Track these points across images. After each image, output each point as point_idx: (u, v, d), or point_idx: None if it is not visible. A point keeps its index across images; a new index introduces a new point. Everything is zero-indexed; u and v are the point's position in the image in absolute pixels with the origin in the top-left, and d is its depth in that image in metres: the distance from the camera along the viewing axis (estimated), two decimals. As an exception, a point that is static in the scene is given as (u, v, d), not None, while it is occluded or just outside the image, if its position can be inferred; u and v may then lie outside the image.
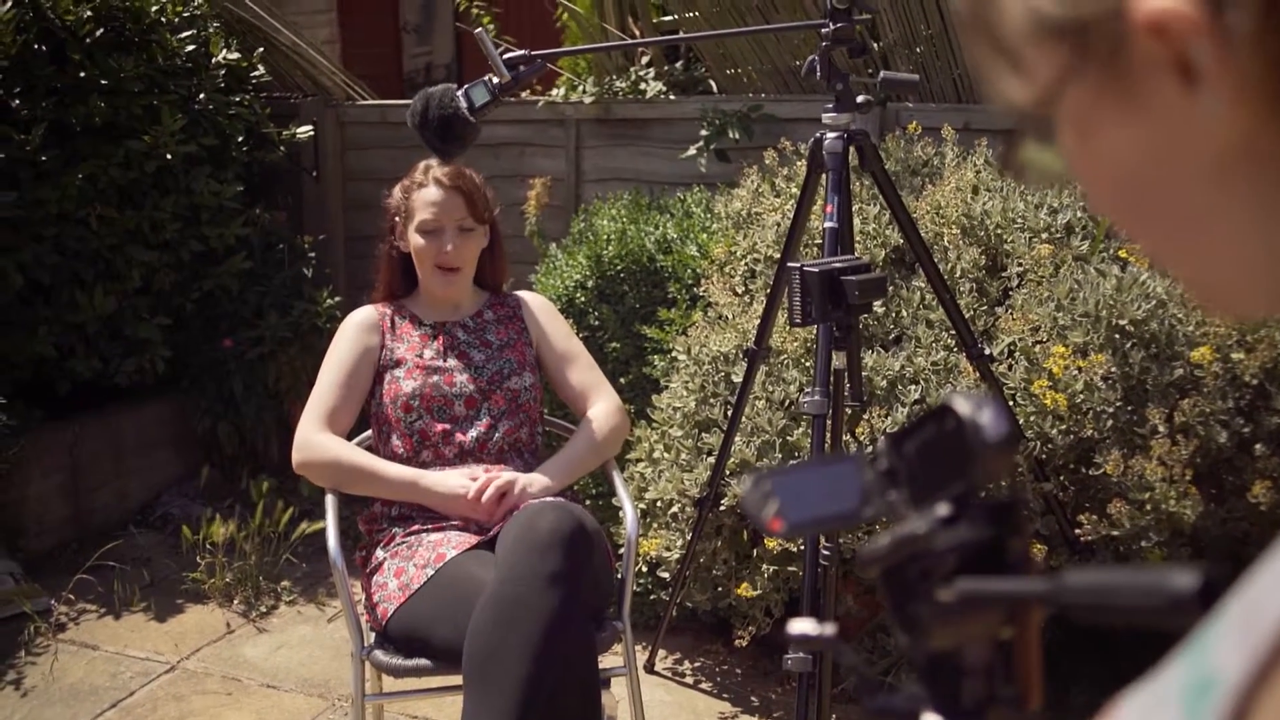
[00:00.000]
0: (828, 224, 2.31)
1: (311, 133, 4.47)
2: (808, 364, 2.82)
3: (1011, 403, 2.65)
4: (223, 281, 4.15)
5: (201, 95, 4.06)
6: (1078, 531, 2.59)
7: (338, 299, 4.22)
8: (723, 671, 3.20)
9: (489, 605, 2.07)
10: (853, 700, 2.90)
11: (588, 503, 3.00)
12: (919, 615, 0.64)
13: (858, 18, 2.31)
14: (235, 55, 4.23)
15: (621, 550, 2.51)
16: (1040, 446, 2.60)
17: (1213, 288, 0.54)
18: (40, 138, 3.58)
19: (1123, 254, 2.84)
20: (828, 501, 0.73)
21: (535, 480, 2.42)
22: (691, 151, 3.95)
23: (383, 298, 2.68)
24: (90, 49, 3.76)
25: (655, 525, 3.01)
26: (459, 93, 2.23)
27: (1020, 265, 2.89)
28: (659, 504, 2.99)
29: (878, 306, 2.86)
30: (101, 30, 3.79)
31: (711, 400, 2.98)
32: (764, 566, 2.81)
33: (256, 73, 4.36)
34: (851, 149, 2.37)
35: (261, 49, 4.41)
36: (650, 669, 3.16)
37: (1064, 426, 2.58)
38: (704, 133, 3.93)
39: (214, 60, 4.16)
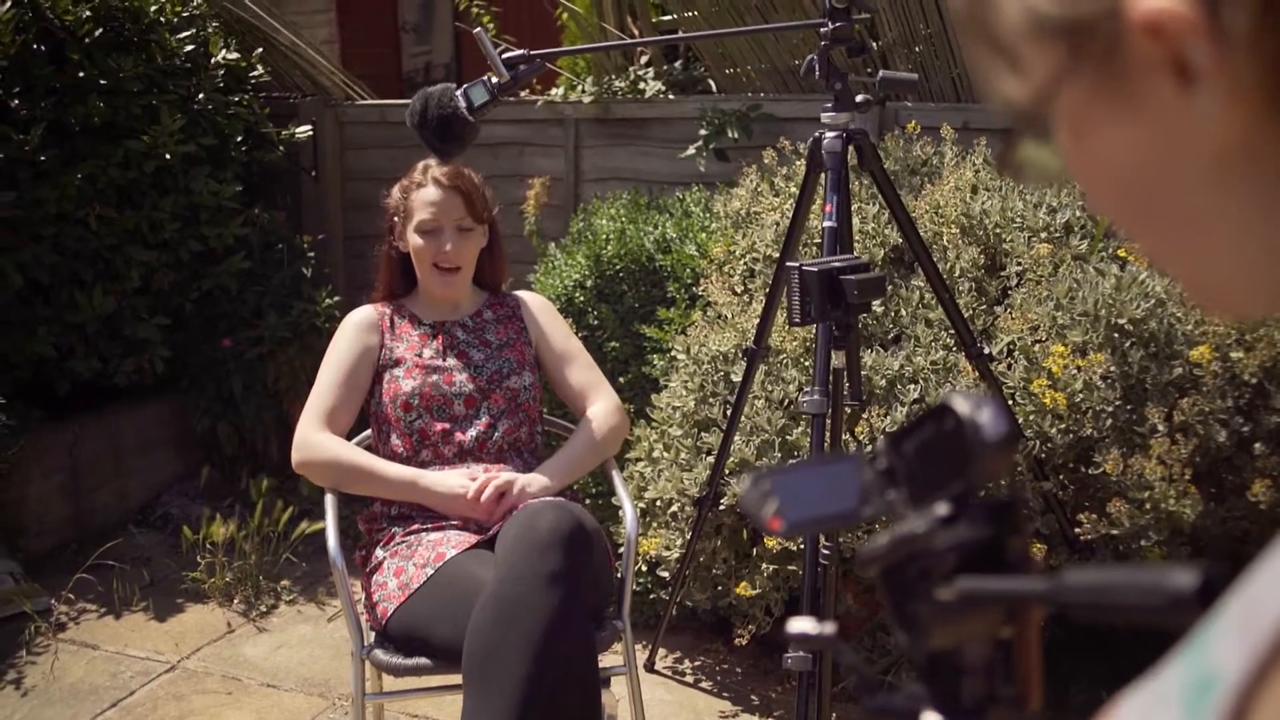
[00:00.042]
0: (827, 223, 2.31)
1: (310, 132, 4.47)
2: (807, 363, 2.82)
3: (1011, 402, 2.65)
4: (222, 281, 4.16)
5: (200, 95, 4.06)
6: (1077, 530, 2.59)
7: (337, 299, 4.22)
8: (723, 670, 3.20)
9: (489, 604, 2.07)
10: (853, 699, 2.90)
11: (587, 502, 3.00)
12: (918, 614, 0.64)
13: (856, 17, 2.31)
14: (234, 55, 4.23)
15: (621, 549, 2.51)
16: (1040, 445, 2.60)
17: (1210, 287, 0.54)
18: (39, 138, 3.58)
19: (1122, 253, 2.84)
20: (827, 501, 0.73)
21: (534, 480, 2.42)
22: (690, 151, 3.95)
23: (382, 297, 2.68)
24: (89, 49, 3.76)
25: (655, 524, 3.01)
26: (458, 92, 2.23)
27: (1019, 264, 2.89)
28: (658, 503, 2.99)
29: (877, 306, 2.86)
30: (100, 30, 3.78)
31: (711, 399, 2.98)
32: (764, 565, 2.81)
33: (255, 73, 4.36)
34: (850, 148, 2.37)
35: (260, 49, 4.41)
36: (650, 668, 3.16)
37: (1063, 425, 2.59)
38: (703, 132, 3.93)
39: (213, 60, 4.16)
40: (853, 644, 2.94)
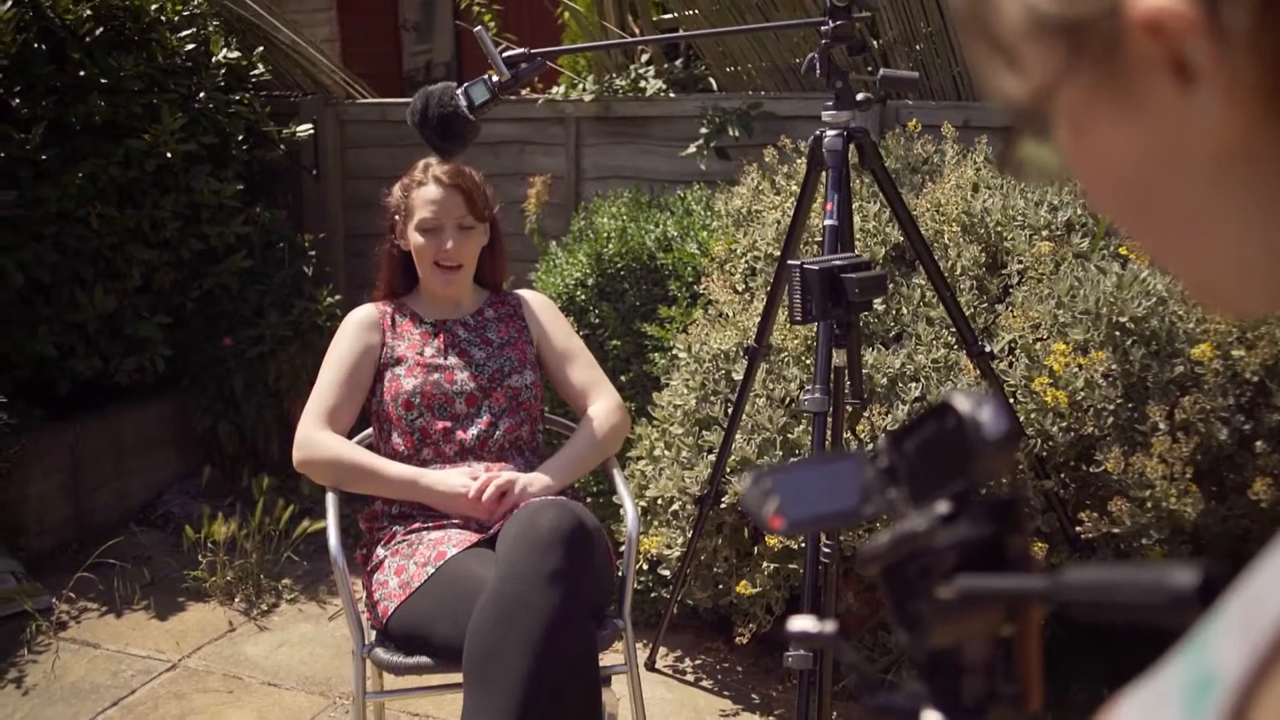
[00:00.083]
0: (828, 221, 2.31)
1: (311, 131, 4.47)
2: (808, 361, 2.82)
3: (1012, 400, 2.65)
4: (223, 280, 4.16)
5: (201, 94, 4.06)
6: (1078, 529, 2.59)
7: (338, 297, 4.23)
8: (724, 669, 3.20)
9: (489, 603, 2.07)
10: (853, 698, 2.90)
11: (588, 500, 3.00)
12: (919, 613, 0.64)
13: (857, 15, 2.31)
14: (235, 54, 4.23)
15: (622, 548, 2.51)
16: (1041, 444, 2.60)
17: (1211, 286, 0.54)
18: (40, 137, 3.58)
19: (1123, 251, 2.84)
20: (828, 499, 0.73)
21: (536, 480, 2.42)
22: (691, 149, 3.95)
23: (383, 296, 2.69)
24: (90, 48, 3.76)
25: (656, 523, 3.01)
26: (459, 91, 2.23)
27: (1020, 263, 2.89)
28: (660, 502, 2.99)
29: (878, 304, 2.86)
30: (101, 29, 3.79)
31: (712, 398, 2.98)
32: (765, 564, 2.81)
33: (256, 71, 4.36)
34: (851, 146, 2.37)
35: (261, 47, 4.41)
36: (651, 667, 3.16)
37: (1064, 424, 2.58)
38: (704, 130, 3.93)
39: (214, 59, 4.16)
40: (853, 642, 2.94)
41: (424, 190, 2.56)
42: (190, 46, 4.05)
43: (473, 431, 2.49)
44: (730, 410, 2.75)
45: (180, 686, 3.16)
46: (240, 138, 4.18)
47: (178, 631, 3.45)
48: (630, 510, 2.46)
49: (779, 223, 3.15)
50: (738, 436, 2.76)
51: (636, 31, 4.27)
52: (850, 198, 2.46)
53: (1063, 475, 2.68)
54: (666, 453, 3.02)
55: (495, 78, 2.22)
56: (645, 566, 3.05)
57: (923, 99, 3.81)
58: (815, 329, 2.33)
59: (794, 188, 3.10)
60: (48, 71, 3.67)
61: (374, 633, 2.36)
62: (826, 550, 2.29)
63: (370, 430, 2.62)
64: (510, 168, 4.32)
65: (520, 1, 6.00)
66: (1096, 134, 0.52)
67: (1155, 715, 0.48)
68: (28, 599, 3.44)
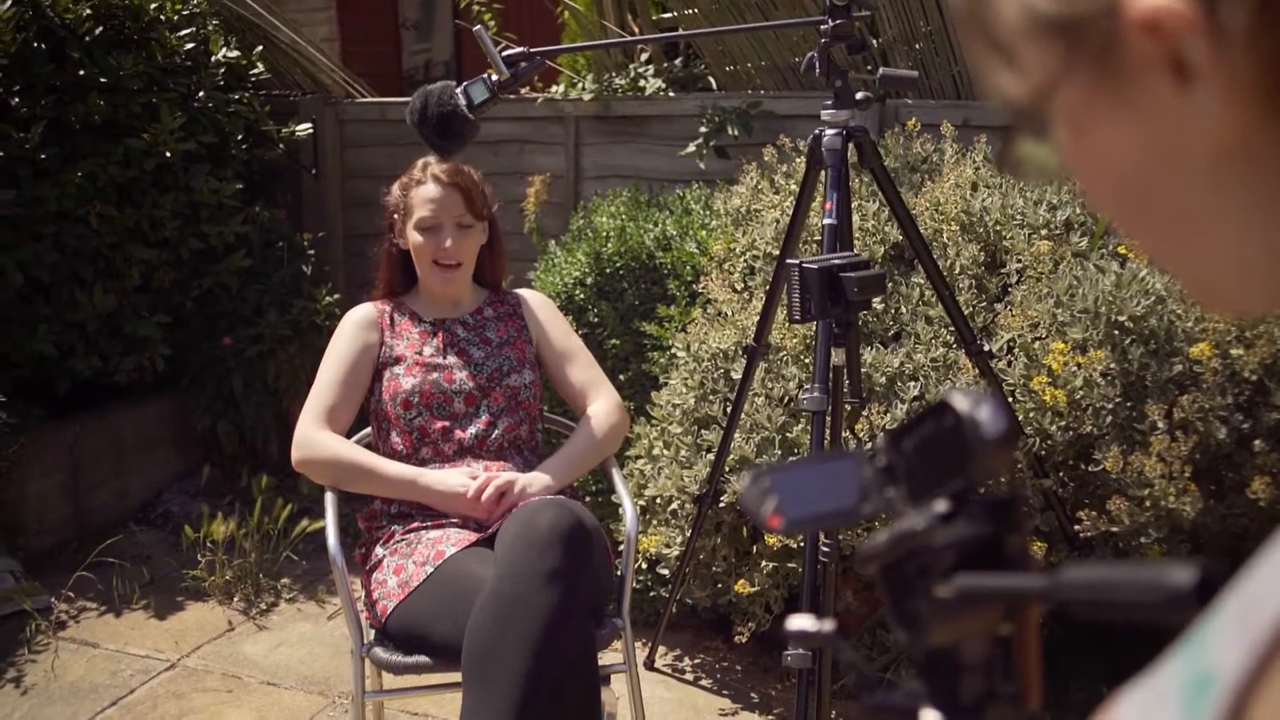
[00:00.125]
0: (827, 221, 2.31)
1: (311, 130, 4.47)
2: (807, 360, 2.82)
3: (1011, 399, 2.65)
4: (222, 279, 4.16)
5: (201, 93, 4.06)
6: (1077, 528, 2.59)
7: (337, 296, 4.23)
8: (723, 668, 3.20)
9: (488, 602, 2.07)
10: (852, 697, 2.90)
11: (587, 499, 3.00)
12: (918, 612, 0.64)
13: (857, 14, 2.31)
14: (234, 53, 4.23)
15: (621, 547, 2.51)
16: (1040, 443, 2.60)
17: (1209, 285, 0.54)
18: (39, 136, 3.58)
19: (1122, 250, 2.84)
20: (826, 498, 0.73)
21: (536, 480, 2.42)
22: (690, 148, 3.95)
23: (382, 295, 2.69)
24: (89, 47, 3.76)
25: (655, 522, 3.01)
26: (458, 90, 2.23)
27: (1019, 261, 2.89)
28: (658, 501, 2.99)
29: (877, 303, 2.86)
30: (101, 28, 3.78)
31: (711, 397, 2.98)
32: (763, 563, 2.81)
33: (256, 70, 4.36)
34: (851, 145, 2.37)
35: (261, 47, 4.41)
36: (650, 666, 3.16)
37: (1063, 423, 2.58)
38: (703, 129, 3.93)
39: (213, 58, 4.16)
40: (852, 641, 2.94)
41: (423, 189, 2.56)
42: (190, 46, 4.05)
43: (471, 431, 2.49)
44: (729, 409, 2.75)
45: (179, 686, 3.16)
46: (239, 137, 4.18)
47: (177, 631, 3.45)
48: (629, 509, 2.46)
49: (778, 222, 3.15)
50: (736, 435, 2.76)
51: (636, 30, 4.26)
52: (849, 197, 2.46)
53: (1061, 474, 2.68)
54: (665, 452, 3.02)
55: (494, 77, 2.23)
56: (644, 565, 3.05)
57: (922, 98, 3.81)
58: (814, 328, 2.33)
59: (793, 187, 3.10)
60: (47, 70, 3.67)
61: (373, 632, 2.36)
62: (825, 549, 2.29)
63: (369, 429, 2.62)
64: (509, 167, 4.31)
65: (520, 0, 6.00)
66: (1095, 133, 0.52)
67: (1154, 714, 0.48)
68: (27, 598, 3.44)
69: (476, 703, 2.02)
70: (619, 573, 2.43)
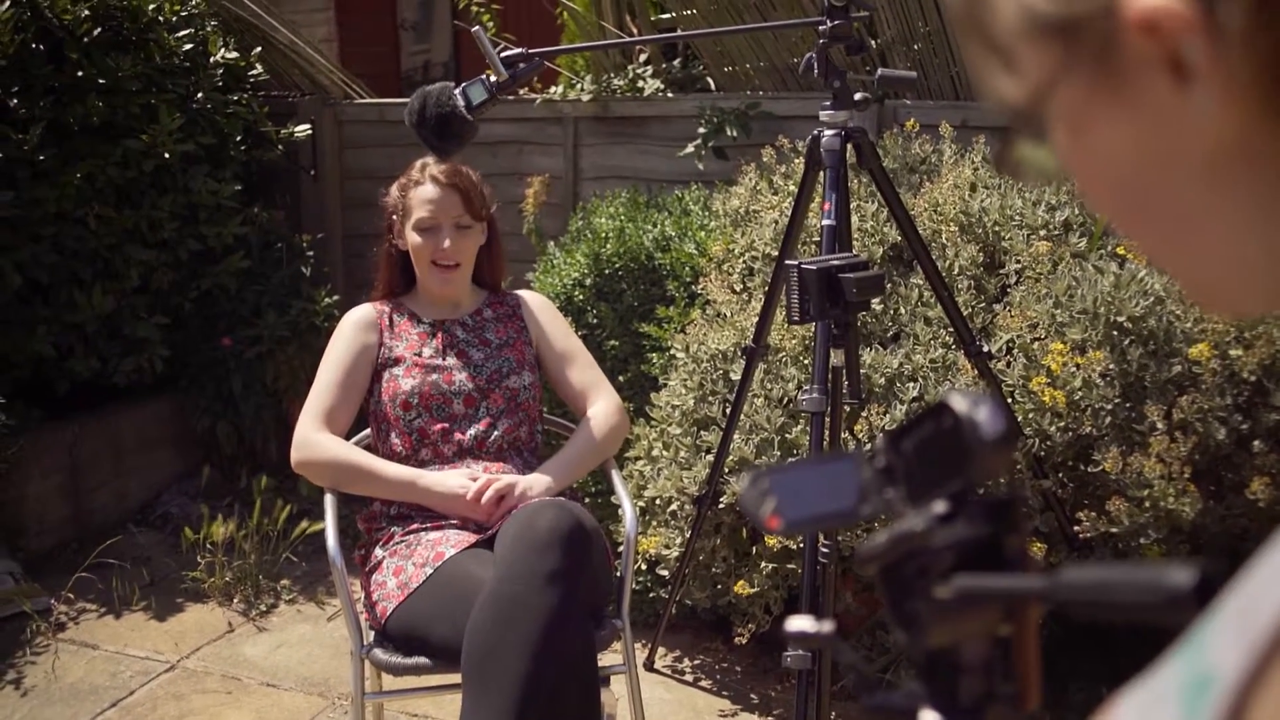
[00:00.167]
0: (826, 221, 2.31)
1: (309, 131, 4.47)
2: (806, 361, 2.82)
3: (1010, 400, 2.65)
4: (221, 280, 4.16)
5: (199, 94, 4.06)
6: (1076, 528, 2.59)
7: (336, 297, 4.23)
8: (722, 669, 3.20)
9: (488, 604, 2.06)
10: (852, 697, 2.90)
11: (586, 501, 3.00)
12: (917, 612, 0.64)
13: (855, 15, 2.31)
14: (233, 54, 4.23)
15: (620, 548, 2.51)
16: (1039, 443, 2.60)
17: (1208, 285, 0.54)
18: (38, 137, 3.58)
19: (1121, 251, 2.84)
20: (826, 499, 0.73)
21: (536, 482, 2.42)
22: (689, 149, 3.95)
23: (381, 296, 2.68)
24: (88, 48, 3.76)
25: (654, 523, 3.01)
26: (457, 91, 2.23)
27: (1018, 262, 2.89)
28: (658, 502, 2.99)
29: (876, 304, 2.86)
30: (99, 29, 3.78)
31: (710, 398, 2.98)
32: (763, 564, 2.81)
33: (254, 71, 4.36)
34: (849, 146, 2.37)
35: (259, 48, 4.41)
36: (650, 667, 3.16)
37: (1062, 423, 2.59)
38: (702, 130, 3.93)
39: (212, 59, 4.16)
40: (851, 642, 2.94)
41: (421, 190, 2.56)
42: (188, 47, 4.05)
43: (471, 432, 2.49)
44: (728, 410, 2.75)
45: (179, 687, 3.15)
46: (238, 138, 4.18)
47: (176, 632, 3.45)
48: (628, 510, 2.46)
49: (777, 223, 3.15)
50: (736, 436, 2.76)
51: (634, 31, 4.26)
52: (848, 197, 2.46)
53: (1060, 475, 2.68)
54: (665, 453, 3.02)
55: (493, 78, 2.22)
56: (644, 567, 3.05)
57: (920, 99, 3.81)
58: (813, 329, 2.33)
59: (792, 187, 3.10)
60: (45, 72, 3.67)
61: (372, 633, 2.35)
62: (824, 550, 2.29)
63: (368, 431, 2.62)
64: (508, 168, 4.31)
65: (519, 1, 6.00)
66: (1093, 134, 0.52)
67: (1153, 714, 0.48)
68: (26, 600, 3.44)
69: (476, 704, 2.02)
70: (618, 574, 2.43)
